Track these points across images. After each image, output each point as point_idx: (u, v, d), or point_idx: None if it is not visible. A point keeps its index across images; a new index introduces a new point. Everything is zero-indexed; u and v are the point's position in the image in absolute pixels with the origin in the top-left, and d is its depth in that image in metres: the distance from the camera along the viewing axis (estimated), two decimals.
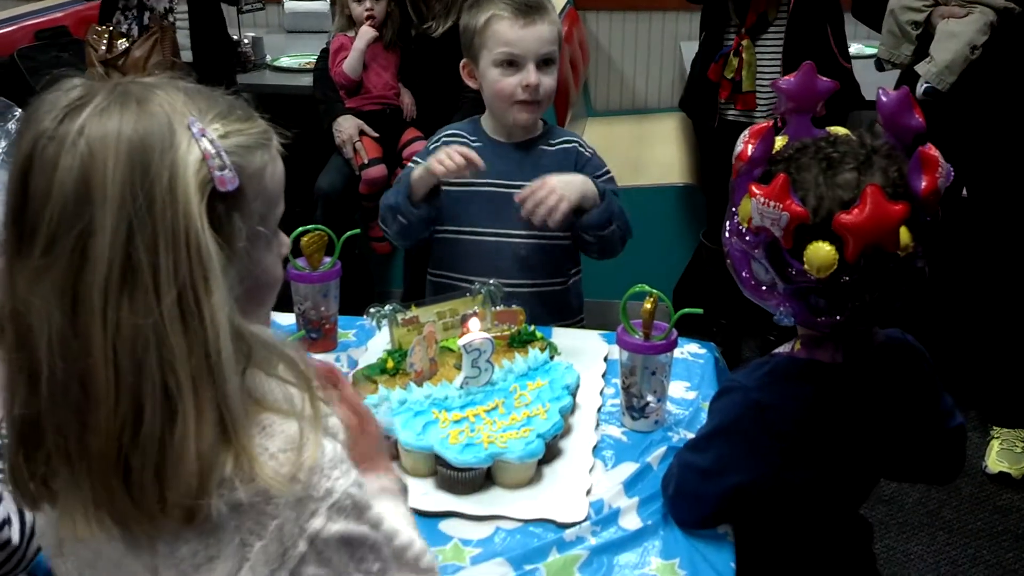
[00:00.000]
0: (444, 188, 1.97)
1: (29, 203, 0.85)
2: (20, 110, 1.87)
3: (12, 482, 0.93)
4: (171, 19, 3.36)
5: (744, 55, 3.08)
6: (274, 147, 0.97)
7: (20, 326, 0.86)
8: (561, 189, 1.85)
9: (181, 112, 0.88)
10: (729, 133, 3.21)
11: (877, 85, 1.33)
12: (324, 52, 3.59)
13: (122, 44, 3.26)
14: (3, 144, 1.79)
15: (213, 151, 0.87)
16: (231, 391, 0.88)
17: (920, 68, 2.88)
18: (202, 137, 0.87)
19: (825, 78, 1.33)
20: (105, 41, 3.29)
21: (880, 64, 3.06)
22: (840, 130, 1.31)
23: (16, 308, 0.86)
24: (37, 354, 0.86)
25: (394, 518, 1.03)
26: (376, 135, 3.47)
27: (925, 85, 2.85)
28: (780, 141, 1.32)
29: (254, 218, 0.93)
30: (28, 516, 1.21)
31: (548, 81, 1.96)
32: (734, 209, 1.30)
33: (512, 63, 1.94)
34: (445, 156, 1.87)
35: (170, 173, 0.85)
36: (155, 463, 0.85)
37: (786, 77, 1.34)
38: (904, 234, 1.18)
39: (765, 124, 1.30)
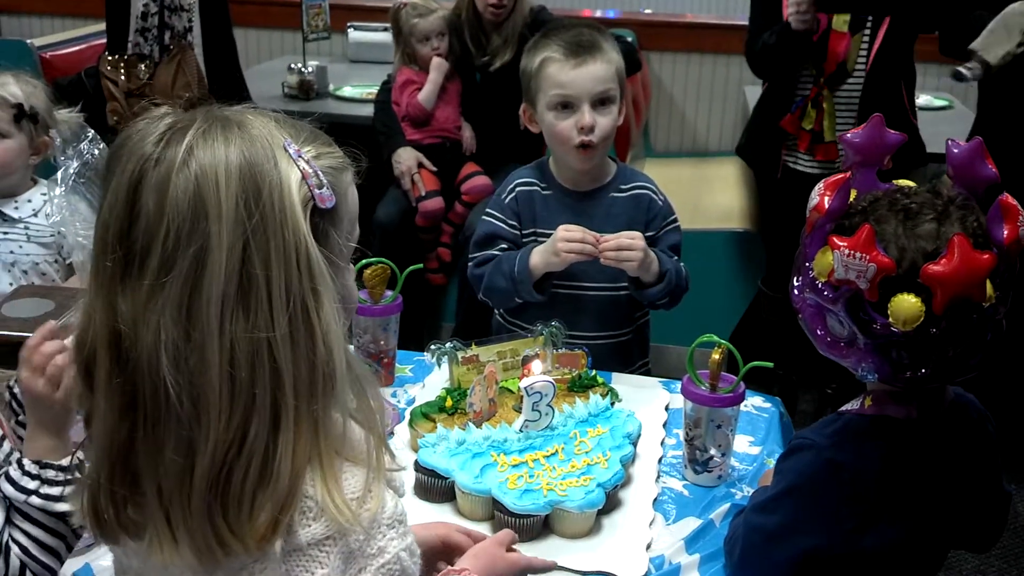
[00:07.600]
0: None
1: (138, 225, 0.86)
2: (92, 130, 1.87)
3: (92, 515, 0.92)
4: (190, 38, 3.18)
5: (825, 105, 3.02)
6: (351, 172, 0.99)
7: (121, 350, 0.87)
8: (643, 254, 1.86)
9: (276, 136, 0.91)
10: (795, 183, 3.17)
11: (945, 137, 1.30)
12: (386, 84, 3.61)
13: (144, 70, 3.09)
14: (75, 164, 1.78)
15: (311, 171, 0.90)
16: (335, 412, 0.89)
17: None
18: (299, 158, 0.90)
19: (893, 131, 1.29)
20: (123, 70, 3.12)
21: (959, 74, 2.84)
22: (907, 183, 1.28)
23: (116, 331, 0.87)
24: (140, 376, 0.86)
25: None
26: (435, 169, 3.47)
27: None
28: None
29: (344, 236, 0.96)
30: None
31: (604, 121, 1.92)
32: (808, 264, 1.25)
33: (567, 105, 1.92)
34: (566, 247, 1.85)
35: (278, 191, 0.87)
36: (256, 476, 0.85)
37: (854, 130, 1.31)
38: (988, 285, 1.16)
39: (841, 176, 1.26)
